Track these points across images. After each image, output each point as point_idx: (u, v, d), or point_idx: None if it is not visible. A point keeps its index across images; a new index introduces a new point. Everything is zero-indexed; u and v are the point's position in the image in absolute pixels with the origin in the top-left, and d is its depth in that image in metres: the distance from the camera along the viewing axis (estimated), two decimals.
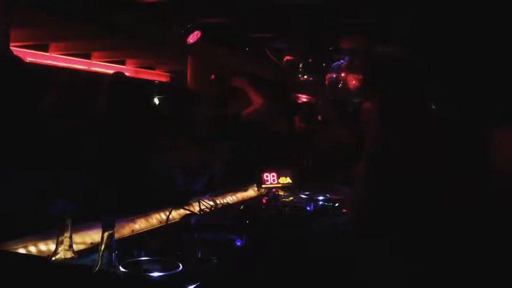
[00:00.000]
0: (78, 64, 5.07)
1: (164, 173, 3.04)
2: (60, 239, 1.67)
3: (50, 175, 2.23)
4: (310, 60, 4.34)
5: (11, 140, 2.16)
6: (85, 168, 2.43)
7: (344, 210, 3.38)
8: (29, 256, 1.87)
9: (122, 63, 5.59)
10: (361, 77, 4.01)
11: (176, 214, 2.71)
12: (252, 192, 3.74)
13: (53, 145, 2.33)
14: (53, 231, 1.88)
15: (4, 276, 1.62)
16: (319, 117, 6.17)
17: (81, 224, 2.09)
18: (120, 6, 3.55)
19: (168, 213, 2.63)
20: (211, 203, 3.00)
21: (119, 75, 3.36)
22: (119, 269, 1.56)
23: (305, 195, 3.62)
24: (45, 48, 4.56)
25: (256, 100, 4.36)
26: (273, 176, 3.76)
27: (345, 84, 4.17)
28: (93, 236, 2.14)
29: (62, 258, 1.66)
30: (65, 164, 2.32)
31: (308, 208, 3.27)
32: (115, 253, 1.50)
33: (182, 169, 3.26)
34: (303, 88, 5.93)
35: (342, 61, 4.18)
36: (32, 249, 1.94)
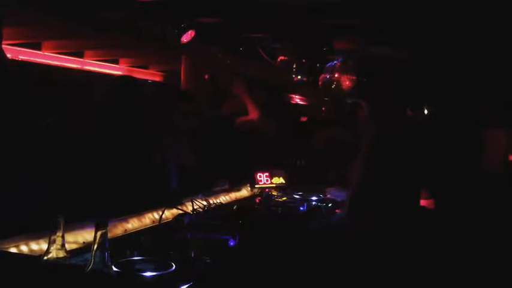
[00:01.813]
0: (71, 63, 5.03)
1: (158, 173, 3.04)
2: (53, 238, 1.65)
3: (42, 174, 2.22)
4: (304, 60, 4.35)
5: (1, 139, 2.14)
6: (78, 167, 2.42)
7: (337, 211, 3.39)
8: (20, 255, 1.86)
9: (115, 62, 5.56)
10: (354, 77, 4.03)
11: (169, 214, 2.71)
12: (245, 192, 3.74)
13: (46, 144, 2.32)
14: (44, 230, 1.87)
15: None
16: (304, 118, 6.18)
17: (74, 223, 2.08)
18: (114, 4, 3.54)
19: (161, 213, 2.62)
20: (205, 202, 3.00)
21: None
22: (112, 269, 1.55)
23: (298, 195, 3.63)
24: (38, 47, 4.53)
25: (252, 111, 4.36)
26: (266, 176, 3.76)
27: (339, 84, 4.18)
28: (86, 235, 2.13)
29: (54, 258, 1.65)
30: (58, 163, 2.31)
31: (301, 208, 3.27)
32: (108, 252, 1.49)
33: (176, 168, 3.25)
34: (297, 88, 5.94)
35: (335, 62, 4.19)
36: (24, 248, 1.93)
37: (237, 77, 4.52)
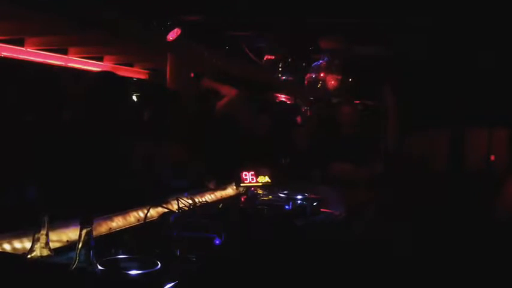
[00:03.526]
0: (55, 60, 4.97)
1: (143, 171, 3.02)
2: (37, 236, 1.64)
3: (26, 172, 2.19)
4: (290, 59, 4.37)
5: None
6: (62, 165, 2.39)
7: (322, 209, 3.41)
8: (3, 254, 1.83)
9: (100, 59, 5.51)
10: (340, 77, 4.06)
11: (154, 212, 2.69)
12: (230, 191, 3.73)
13: (29, 142, 2.29)
14: (27, 228, 1.85)
15: None
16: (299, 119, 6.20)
17: (57, 221, 2.06)
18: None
19: (146, 211, 2.60)
20: (190, 201, 2.98)
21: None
22: (97, 267, 1.53)
23: (283, 194, 3.63)
24: (20, 43, 4.46)
25: (228, 92, 4.35)
26: (252, 175, 3.76)
27: (324, 84, 4.21)
28: (70, 233, 2.10)
29: (38, 256, 1.64)
30: (42, 161, 2.28)
31: (286, 207, 3.28)
32: (93, 251, 1.48)
33: (161, 166, 3.23)
34: (283, 87, 5.95)
35: (321, 61, 4.22)
36: (7, 246, 1.90)
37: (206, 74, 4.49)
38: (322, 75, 4.15)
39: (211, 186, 3.56)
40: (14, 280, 1.52)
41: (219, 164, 3.82)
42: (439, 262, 3.51)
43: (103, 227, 2.35)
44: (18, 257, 1.76)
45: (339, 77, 4.16)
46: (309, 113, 5.67)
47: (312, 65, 4.26)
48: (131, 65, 6.00)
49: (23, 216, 1.96)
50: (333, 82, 4.13)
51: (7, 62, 4.17)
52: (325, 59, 4.14)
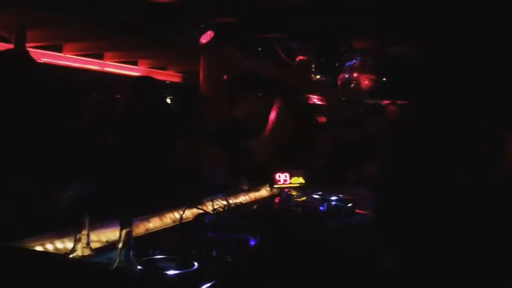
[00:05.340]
0: (91, 64, 5.10)
1: (178, 172, 3.05)
2: (78, 236, 1.69)
3: (67, 172, 2.25)
4: (322, 60, 4.35)
5: (25, 136, 2.17)
6: (102, 167, 2.45)
7: (357, 211, 3.38)
8: (47, 254, 1.89)
9: (134, 63, 5.61)
10: (373, 76, 4.01)
11: (189, 213, 2.72)
12: (264, 192, 3.74)
13: (69, 143, 2.35)
14: (68, 228, 1.90)
15: (23, 273, 1.63)
16: (324, 119, 6.14)
17: (96, 222, 2.10)
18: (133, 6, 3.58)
19: (181, 213, 2.63)
20: (224, 202, 3.00)
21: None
22: (137, 267, 1.56)
23: (318, 195, 3.61)
24: (59, 49, 4.60)
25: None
26: (286, 176, 3.75)
27: (357, 84, 4.17)
28: (108, 234, 2.15)
29: (80, 256, 1.68)
30: (82, 162, 2.34)
31: (321, 208, 3.26)
32: (132, 251, 1.51)
33: (196, 168, 3.26)
34: (315, 88, 5.92)
35: (354, 61, 4.18)
36: (49, 246, 1.95)
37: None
38: (355, 75, 4.11)
39: (245, 187, 3.57)
40: (57, 279, 1.56)
41: (253, 165, 3.83)
42: (456, 267, 3.41)
43: (140, 228, 2.39)
44: (62, 257, 1.81)
45: (373, 77, 4.11)
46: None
47: (345, 65, 4.22)
48: (165, 69, 6.09)
49: (64, 216, 2.02)
50: (366, 82, 4.09)
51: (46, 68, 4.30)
52: (358, 58, 4.09)
